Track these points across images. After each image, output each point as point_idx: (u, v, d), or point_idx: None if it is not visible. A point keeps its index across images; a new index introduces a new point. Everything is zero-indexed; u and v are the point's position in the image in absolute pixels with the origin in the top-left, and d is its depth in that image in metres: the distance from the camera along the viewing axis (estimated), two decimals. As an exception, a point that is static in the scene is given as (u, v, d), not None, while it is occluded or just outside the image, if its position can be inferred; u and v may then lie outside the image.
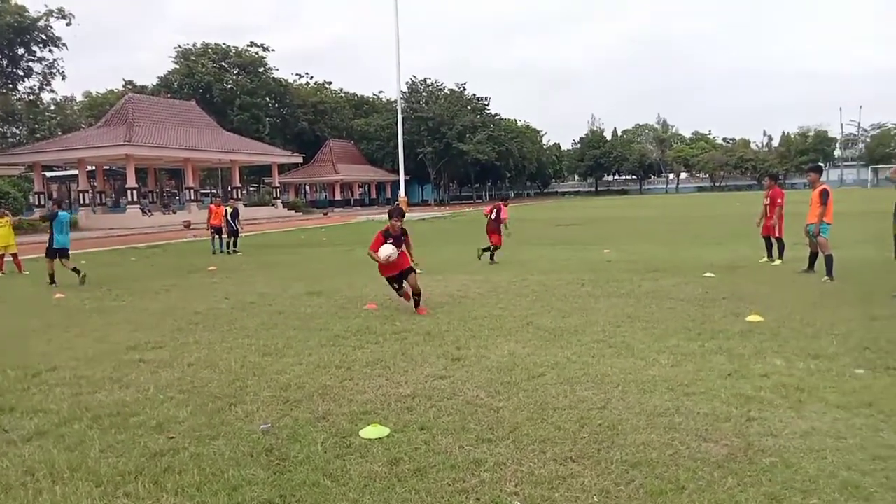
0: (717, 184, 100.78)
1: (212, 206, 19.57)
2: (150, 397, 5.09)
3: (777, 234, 12.16)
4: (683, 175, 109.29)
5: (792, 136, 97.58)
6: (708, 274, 10.78)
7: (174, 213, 45.21)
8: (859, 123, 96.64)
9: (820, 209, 10.03)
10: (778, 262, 11.98)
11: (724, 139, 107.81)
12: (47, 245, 12.65)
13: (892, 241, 8.86)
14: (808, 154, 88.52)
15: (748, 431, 4.04)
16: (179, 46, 65.40)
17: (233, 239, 18.75)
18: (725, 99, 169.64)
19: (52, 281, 12.28)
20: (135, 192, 42.91)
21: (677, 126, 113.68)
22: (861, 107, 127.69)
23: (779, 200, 12.02)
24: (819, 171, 10.91)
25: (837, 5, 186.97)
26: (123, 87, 66.02)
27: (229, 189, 53.78)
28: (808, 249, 10.81)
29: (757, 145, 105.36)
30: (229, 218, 18.72)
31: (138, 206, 42.84)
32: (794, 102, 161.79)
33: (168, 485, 3.53)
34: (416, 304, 8.29)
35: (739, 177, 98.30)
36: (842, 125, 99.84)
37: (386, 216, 8.40)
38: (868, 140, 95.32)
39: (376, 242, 8.10)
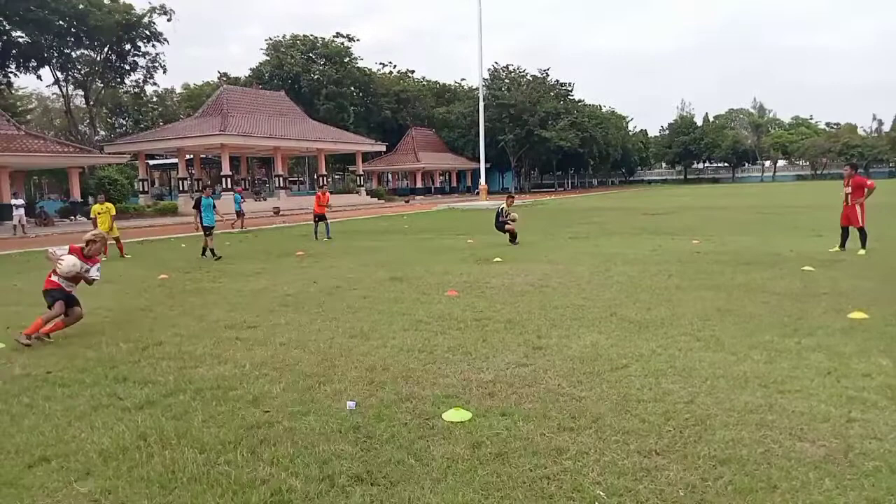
0: (819, 172, 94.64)
1: (318, 193, 20.36)
2: (246, 373, 5.40)
3: (859, 224, 11.92)
4: (781, 163, 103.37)
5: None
6: (807, 267, 10.20)
7: (265, 199, 47.14)
8: None
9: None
10: (861, 252, 11.61)
11: (828, 124, 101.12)
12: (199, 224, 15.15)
13: None
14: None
15: (848, 433, 3.83)
16: (270, 39, 68.16)
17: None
18: (828, 79, 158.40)
19: (204, 254, 14.59)
20: (229, 179, 45.03)
21: (775, 111, 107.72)
22: None
23: (862, 189, 11.96)
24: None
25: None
26: (218, 78, 69.37)
27: (315, 177, 55.44)
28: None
29: (865, 130, 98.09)
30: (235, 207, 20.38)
31: (232, 193, 44.91)
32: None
33: (264, 455, 3.75)
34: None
35: (844, 164, 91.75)
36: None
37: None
38: None
39: None
